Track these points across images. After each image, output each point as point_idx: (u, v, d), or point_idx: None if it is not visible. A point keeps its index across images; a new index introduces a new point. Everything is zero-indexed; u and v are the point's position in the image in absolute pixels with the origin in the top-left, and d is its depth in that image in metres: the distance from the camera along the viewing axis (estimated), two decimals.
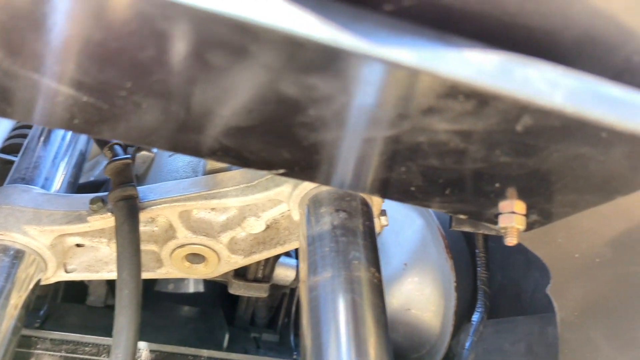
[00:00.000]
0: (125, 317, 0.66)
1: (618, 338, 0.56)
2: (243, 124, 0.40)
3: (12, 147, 1.02)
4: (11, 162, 0.98)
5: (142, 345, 0.87)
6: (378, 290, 0.58)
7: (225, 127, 0.41)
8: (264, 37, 0.27)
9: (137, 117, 0.41)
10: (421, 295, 1.01)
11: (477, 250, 0.92)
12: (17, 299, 0.68)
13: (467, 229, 0.77)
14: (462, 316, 0.95)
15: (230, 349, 0.93)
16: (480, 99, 0.31)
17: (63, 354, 0.84)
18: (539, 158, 0.40)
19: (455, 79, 0.27)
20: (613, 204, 0.48)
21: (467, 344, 0.81)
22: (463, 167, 0.44)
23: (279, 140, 0.43)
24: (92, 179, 1.09)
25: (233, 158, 0.47)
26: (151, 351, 0.87)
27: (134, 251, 0.68)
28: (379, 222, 0.73)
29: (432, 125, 0.37)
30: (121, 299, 0.66)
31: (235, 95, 0.36)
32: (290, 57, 0.29)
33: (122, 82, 0.37)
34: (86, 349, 0.85)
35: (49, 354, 0.83)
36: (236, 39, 0.29)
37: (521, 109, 0.32)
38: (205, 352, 0.90)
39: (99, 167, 1.10)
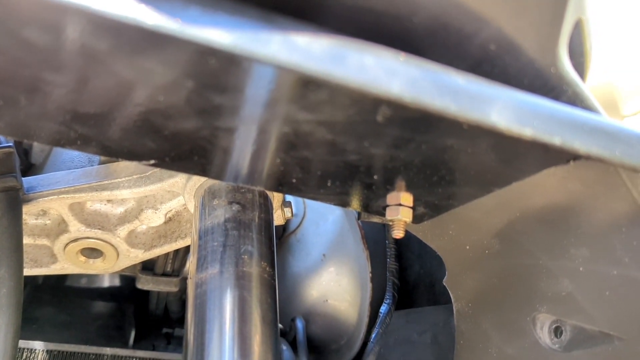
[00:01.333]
0: (2, 318, 0.61)
1: (506, 328, 0.57)
2: (90, 110, 0.37)
3: None
4: None
5: (38, 345, 0.82)
6: (268, 286, 0.56)
7: (71, 113, 0.37)
8: (66, 12, 0.24)
9: None
10: (338, 286, 1.00)
11: (387, 242, 0.91)
12: None
13: (375, 220, 0.76)
14: (378, 307, 0.94)
15: (138, 346, 0.90)
16: (327, 87, 0.29)
17: None
18: (409, 150, 0.39)
19: (278, 63, 0.25)
20: (494, 197, 0.48)
21: (373, 335, 0.80)
22: (336, 158, 0.42)
23: (137, 129, 0.39)
24: None
25: (95, 148, 0.43)
26: (48, 351, 0.82)
27: (15, 247, 0.63)
28: (282, 214, 0.71)
29: (291, 115, 0.35)
30: None
31: (67, 78, 0.32)
32: (101, 33, 0.26)
33: None
34: None
35: None
36: (44, 16, 0.25)
37: (375, 99, 0.30)
38: (108, 351, 0.86)
39: None
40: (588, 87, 0.41)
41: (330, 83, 0.26)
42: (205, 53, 0.26)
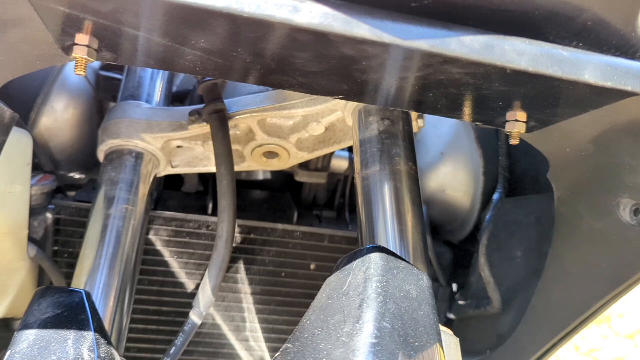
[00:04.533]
0: (226, 200, 0.88)
1: (595, 209, 0.75)
2: (315, 69, 0.58)
3: (108, 65, 1.22)
4: (112, 79, 1.19)
5: None
6: (414, 179, 0.78)
7: (302, 71, 0.59)
8: (335, 38, 0.44)
9: (242, 66, 0.59)
10: (454, 178, 1.20)
11: (499, 142, 1.09)
12: (144, 188, 0.92)
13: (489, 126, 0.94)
14: (487, 196, 1.14)
15: (298, 223, 1.17)
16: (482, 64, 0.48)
17: (173, 227, 1.10)
18: (526, 87, 0.57)
19: (454, 56, 0.43)
20: (590, 113, 0.64)
21: (488, 217, 1.01)
22: (474, 92, 0.60)
23: (340, 78, 0.60)
24: (174, 89, 1.29)
25: (305, 89, 0.65)
26: (238, 225, 1.12)
27: (228, 152, 0.89)
28: (416, 124, 0.90)
29: (448, 70, 0.54)
30: (221, 188, 0.89)
31: (310, 57, 0.53)
32: (352, 43, 0.46)
33: (235, 49, 0.54)
34: (190, 224, 1.10)
35: (164, 228, 1.09)
36: (311, 44, 0.46)
37: None
38: (280, 226, 1.14)
39: (178, 77, 1.29)
40: None
41: (483, 64, 0.44)
42: (411, 50, 0.46)
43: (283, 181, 1.37)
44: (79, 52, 0.56)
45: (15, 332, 0.63)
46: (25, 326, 0.63)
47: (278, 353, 0.59)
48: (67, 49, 0.58)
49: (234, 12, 0.40)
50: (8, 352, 0.61)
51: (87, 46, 0.56)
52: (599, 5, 0.47)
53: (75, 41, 0.56)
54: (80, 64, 0.57)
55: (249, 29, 0.46)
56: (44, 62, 0.63)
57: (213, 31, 0.49)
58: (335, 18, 0.42)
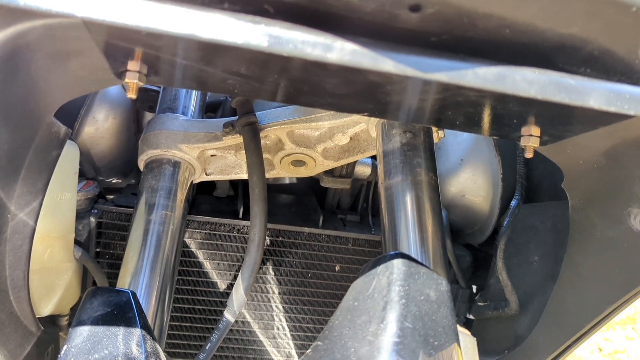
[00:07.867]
0: (258, 207, 0.94)
1: (608, 217, 0.79)
2: (343, 92, 0.63)
3: None
4: (149, 90, 1.26)
5: None
6: (434, 189, 0.83)
7: (331, 93, 0.64)
8: (366, 72, 0.50)
9: (276, 89, 0.65)
10: (474, 184, 1.24)
11: (517, 151, 1.13)
12: (181, 195, 0.98)
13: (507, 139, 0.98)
14: (506, 202, 1.18)
15: (324, 226, 1.23)
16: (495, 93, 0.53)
17: (207, 231, 1.16)
18: (538, 108, 0.61)
19: (470, 86, 0.48)
20: (601, 129, 0.68)
21: (505, 222, 1.05)
22: (490, 111, 0.65)
23: (366, 99, 0.66)
24: (207, 99, 1.36)
25: (333, 107, 0.70)
26: (267, 229, 1.18)
27: (260, 162, 0.95)
28: (437, 135, 0.95)
29: (465, 94, 0.59)
30: (254, 195, 0.95)
31: (339, 82, 0.59)
32: (378, 74, 0.51)
33: (272, 75, 0.60)
34: (222, 227, 1.17)
35: (198, 232, 1.16)
36: (340, 72, 0.51)
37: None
38: (306, 229, 1.20)
39: None
40: None
41: (496, 93, 0.49)
42: (431, 82, 0.51)
43: (308, 186, 1.43)
44: (131, 78, 0.62)
45: (70, 329, 0.70)
46: (79, 323, 0.70)
47: (309, 350, 0.64)
48: (120, 75, 0.64)
49: (275, 52, 0.46)
50: (65, 347, 0.68)
51: (138, 72, 0.62)
52: (604, 37, 0.51)
53: (128, 68, 0.62)
54: (132, 88, 0.63)
55: (286, 62, 0.52)
56: (98, 85, 0.69)
57: (253, 63, 0.55)
58: (364, 55, 0.47)
